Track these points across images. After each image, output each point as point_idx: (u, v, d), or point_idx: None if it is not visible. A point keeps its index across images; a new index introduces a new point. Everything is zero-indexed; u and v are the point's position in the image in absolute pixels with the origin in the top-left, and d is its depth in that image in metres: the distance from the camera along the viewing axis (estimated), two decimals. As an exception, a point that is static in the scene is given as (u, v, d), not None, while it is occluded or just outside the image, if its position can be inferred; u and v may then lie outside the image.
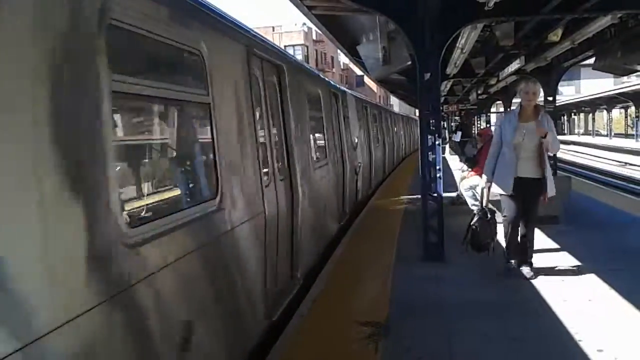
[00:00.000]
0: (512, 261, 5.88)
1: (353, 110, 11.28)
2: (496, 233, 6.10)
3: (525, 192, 5.67)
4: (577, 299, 5.10)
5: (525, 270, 5.79)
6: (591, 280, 5.63)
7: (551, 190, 5.63)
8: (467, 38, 8.99)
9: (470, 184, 9.86)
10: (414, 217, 8.89)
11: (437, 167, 6.59)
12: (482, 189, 6.14)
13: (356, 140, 10.86)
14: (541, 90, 5.74)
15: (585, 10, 7.16)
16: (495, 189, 5.83)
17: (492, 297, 5.22)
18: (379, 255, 7.09)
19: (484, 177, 6.00)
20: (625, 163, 30.10)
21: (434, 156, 6.59)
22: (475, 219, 6.04)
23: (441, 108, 10.33)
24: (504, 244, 6.04)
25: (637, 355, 3.93)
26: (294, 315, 4.91)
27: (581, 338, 4.20)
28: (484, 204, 6.12)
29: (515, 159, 5.61)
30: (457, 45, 9.66)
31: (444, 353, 4.07)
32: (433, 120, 6.63)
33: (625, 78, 34.71)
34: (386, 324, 4.61)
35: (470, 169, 10.63)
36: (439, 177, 6.61)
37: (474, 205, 9.73)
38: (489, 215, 6.03)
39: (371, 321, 4.67)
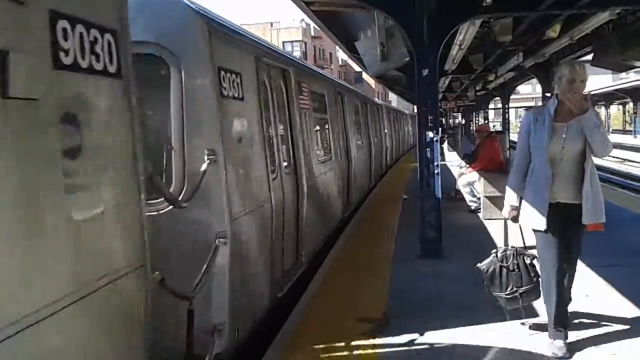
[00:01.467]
0: (559, 337, 3.89)
1: (249, 84, 4.63)
2: (532, 282, 4.20)
3: (568, 224, 3.90)
4: (575, 295, 5.09)
5: (558, 344, 3.86)
6: (589, 276, 5.63)
7: (597, 215, 3.85)
8: (466, 34, 8.99)
9: (468, 180, 9.90)
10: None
11: (435, 164, 6.61)
12: (506, 220, 4.25)
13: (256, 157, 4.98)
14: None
15: (583, 6, 7.16)
16: (525, 221, 4.03)
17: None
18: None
19: (508, 198, 4.11)
20: (624, 159, 30.17)
21: (431, 152, 6.61)
22: (488, 260, 4.29)
23: (439, 104, 10.37)
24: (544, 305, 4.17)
25: (635, 352, 3.95)
26: (292, 312, 4.92)
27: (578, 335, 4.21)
28: (507, 244, 4.35)
29: (551, 176, 3.81)
30: (456, 41, 9.67)
31: (444, 349, 4.07)
32: (431, 117, 6.64)
33: (623, 74, 34.78)
34: (384, 320, 4.63)
35: (468, 165, 10.66)
36: (437, 173, 6.62)
37: (471, 201, 9.79)
38: (510, 262, 4.19)
39: (369, 317, 4.68)
